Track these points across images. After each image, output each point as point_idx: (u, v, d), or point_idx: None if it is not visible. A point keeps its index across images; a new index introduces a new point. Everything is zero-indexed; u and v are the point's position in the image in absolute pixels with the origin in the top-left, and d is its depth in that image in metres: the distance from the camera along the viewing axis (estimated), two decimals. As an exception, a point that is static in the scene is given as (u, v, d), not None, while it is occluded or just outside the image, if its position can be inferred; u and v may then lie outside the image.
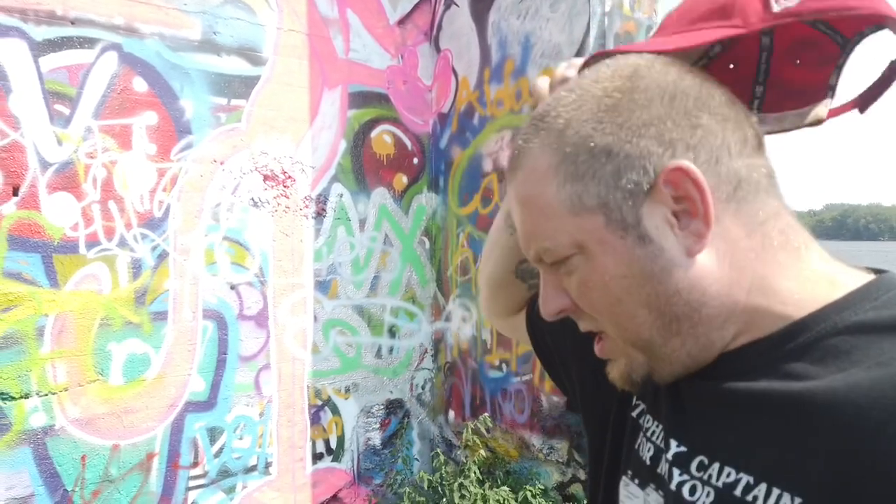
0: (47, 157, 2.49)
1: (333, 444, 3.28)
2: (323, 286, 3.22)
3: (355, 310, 3.34)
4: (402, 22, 3.45)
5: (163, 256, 2.75)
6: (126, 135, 2.65)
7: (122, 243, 2.65)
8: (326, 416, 3.25)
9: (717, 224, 0.58)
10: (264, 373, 3.04)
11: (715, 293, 0.59)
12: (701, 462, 0.61)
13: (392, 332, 3.48)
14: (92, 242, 2.59)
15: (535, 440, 2.99)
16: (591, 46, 2.67)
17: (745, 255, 0.60)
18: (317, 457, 3.23)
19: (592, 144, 0.59)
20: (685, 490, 0.62)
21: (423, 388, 3.60)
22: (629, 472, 0.72)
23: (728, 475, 0.58)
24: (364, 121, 3.34)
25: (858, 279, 0.60)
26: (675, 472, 0.63)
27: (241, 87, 2.93)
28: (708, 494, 0.59)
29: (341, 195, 3.27)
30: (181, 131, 2.78)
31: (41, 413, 2.50)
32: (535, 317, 0.95)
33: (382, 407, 3.45)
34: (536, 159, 0.63)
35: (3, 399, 2.42)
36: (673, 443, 0.65)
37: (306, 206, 3.15)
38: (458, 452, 3.44)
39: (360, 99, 3.32)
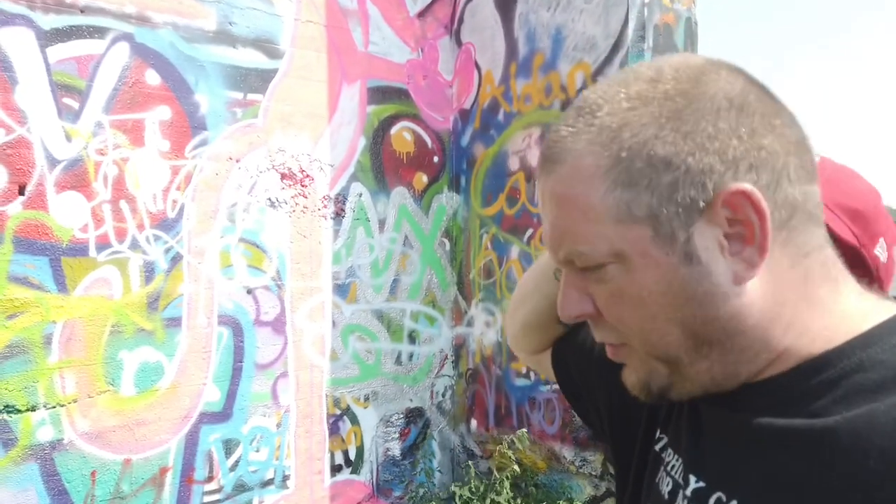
0: (55, 154, 2.34)
1: (352, 456, 3.14)
2: (342, 290, 3.07)
3: (375, 314, 3.20)
4: (422, 14, 3.31)
5: (176, 259, 2.60)
6: (138, 130, 2.50)
7: (134, 245, 2.50)
8: (345, 425, 3.11)
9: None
10: (281, 381, 2.89)
11: (753, 325, 0.58)
12: (719, 499, 0.60)
13: (412, 338, 3.33)
14: (102, 244, 2.44)
15: (567, 452, 2.86)
16: (630, 38, 2.54)
17: (788, 288, 0.58)
18: (335, 469, 3.08)
19: (652, 153, 0.56)
20: None
21: (443, 395, 3.46)
22: None
23: None
24: (384, 117, 3.20)
25: (886, 311, 0.58)
26: None
27: (257, 80, 2.79)
28: None
29: (360, 195, 3.13)
30: (196, 127, 2.63)
31: (49, 426, 2.34)
32: (561, 352, 0.95)
33: (402, 416, 3.31)
34: (582, 157, 0.59)
35: (9, 412, 2.27)
36: (692, 478, 0.63)
37: (325, 206, 3.01)
38: (481, 463, 3.30)
39: (380, 94, 3.18)
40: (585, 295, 0.62)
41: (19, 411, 2.29)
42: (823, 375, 0.56)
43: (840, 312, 0.58)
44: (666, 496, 0.67)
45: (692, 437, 0.66)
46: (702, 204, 0.55)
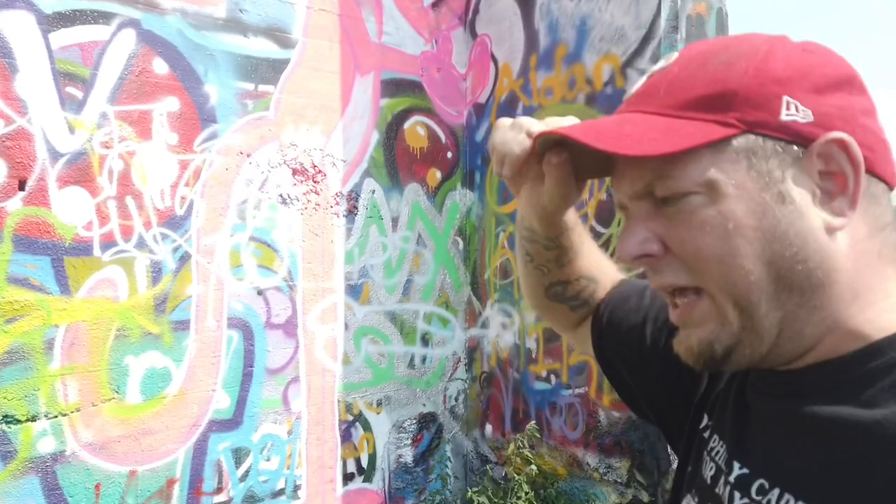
0: (58, 147, 2.19)
1: (364, 463, 3.01)
2: (354, 291, 2.95)
3: (387, 316, 3.07)
4: (436, 4, 3.19)
5: (185, 259, 2.46)
6: (145, 122, 2.36)
7: (141, 244, 2.36)
8: (357, 432, 2.98)
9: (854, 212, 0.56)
10: (293, 386, 2.76)
11: (836, 281, 0.57)
12: (761, 486, 0.59)
13: (425, 340, 3.21)
14: (107, 243, 2.29)
15: (590, 458, 2.75)
16: (663, 29, 2.44)
17: (863, 257, 0.58)
18: (347, 477, 2.95)
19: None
20: None
21: (456, 399, 3.35)
22: (693, 491, 0.70)
23: (787, 502, 0.56)
24: (397, 111, 3.07)
25: None
26: (737, 495, 0.61)
27: (268, 71, 2.65)
28: None
29: (373, 191, 3.00)
30: (205, 119, 2.49)
31: (50, 437, 2.20)
32: (603, 331, 0.93)
33: (415, 421, 3.19)
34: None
35: (8, 423, 2.12)
36: (735, 464, 0.63)
37: (337, 204, 2.88)
38: (496, 469, 3.19)
39: (393, 87, 3.05)
40: (652, 233, 0.61)
41: (19, 421, 2.14)
42: (872, 364, 0.55)
43: None
44: (708, 481, 0.67)
45: (737, 422, 0.65)
46: (797, 148, 0.56)
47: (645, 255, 0.61)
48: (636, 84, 0.64)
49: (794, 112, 0.56)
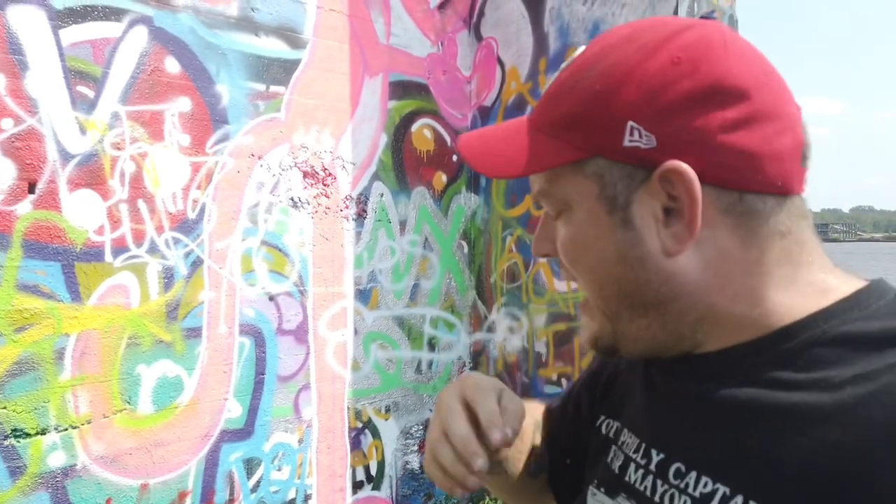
0: (69, 148, 2.10)
1: (374, 471, 2.96)
2: (363, 295, 2.90)
3: (396, 321, 3.03)
4: (441, 6, 3.17)
5: (197, 264, 2.39)
6: (157, 123, 2.28)
7: (153, 249, 2.28)
8: (367, 439, 2.93)
9: (709, 230, 0.57)
10: (304, 394, 2.70)
11: (690, 292, 0.59)
12: (678, 469, 0.60)
13: (432, 345, 3.18)
14: (119, 248, 2.21)
15: (605, 461, 2.75)
16: (679, 34, 2.46)
17: (736, 266, 0.59)
18: (357, 485, 2.90)
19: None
20: (664, 499, 0.60)
21: (461, 404, 3.31)
22: (595, 482, 0.71)
23: (705, 485, 0.56)
24: (405, 113, 3.04)
25: (850, 286, 0.59)
26: (658, 482, 0.61)
27: (280, 71, 2.59)
28: (685, 503, 0.58)
29: (382, 195, 2.96)
30: (217, 120, 2.43)
31: (60, 451, 2.10)
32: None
33: (422, 427, 3.15)
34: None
35: (17, 436, 2.02)
36: (653, 451, 0.64)
37: (346, 207, 2.83)
38: (502, 474, 3.17)
39: (401, 89, 3.02)
40: (549, 237, 0.65)
41: (28, 435, 2.04)
42: (784, 346, 0.56)
43: (799, 288, 0.59)
44: (616, 470, 0.67)
45: (650, 410, 0.67)
46: (642, 175, 0.57)
47: (546, 255, 0.67)
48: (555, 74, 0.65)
49: (636, 138, 0.56)
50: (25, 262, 2.02)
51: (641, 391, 0.70)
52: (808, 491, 0.50)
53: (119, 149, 2.20)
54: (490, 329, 3.26)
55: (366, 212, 2.90)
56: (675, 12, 2.46)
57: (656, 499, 0.61)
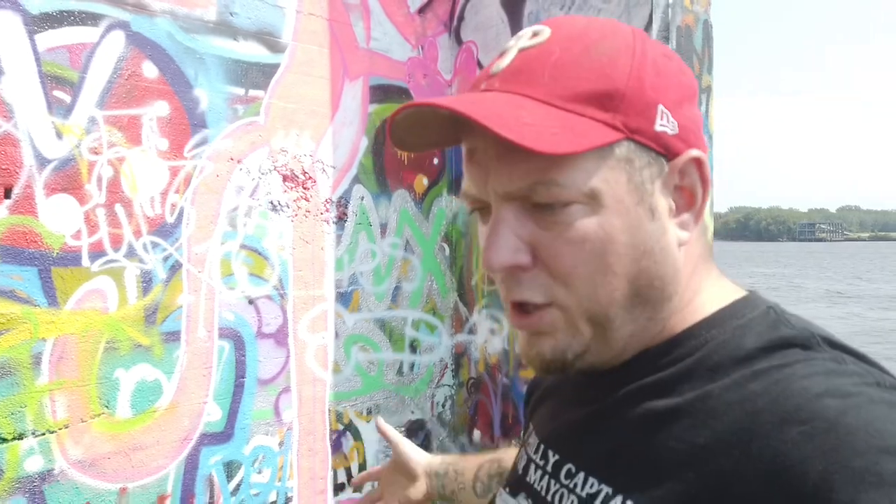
0: (45, 153, 2.10)
1: (355, 473, 2.97)
2: (344, 298, 2.91)
3: (377, 323, 3.05)
4: (422, 10, 3.19)
5: (175, 268, 2.39)
6: (135, 127, 2.29)
7: (131, 253, 2.28)
8: (348, 442, 2.95)
9: None
10: (284, 397, 2.71)
11: (677, 291, 0.59)
12: (569, 470, 0.62)
13: (413, 347, 3.20)
14: (96, 253, 2.21)
15: (583, 462, 2.78)
16: (654, 38, 2.49)
17: (691, 260, 0.60)
18: (338, 488, 2.91)
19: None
20: (555, 498, 0.62)
21: (443, 406, 3.34)
22: (504, 486, 0.73)
23: (591, 485, 0.58)
24: (385, 117, 3.05)
25: (734, 294, 0.61)
26: (552, 481, 0.63)
27: (259, 75, 2.60)
28: (572, 503, 0.59)
29: (362, 198, 2.97)
30: (195, 125, 2.43)
31: (38, 456, 2.10)
32: None
33: (404, 429, 3.17)
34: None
35: (-7, 442, 2.02)
36: (550, 452, 0.66)
37: (327, 210, 2.84)
38: (484, 475, 3.19)
39: (381, 93, 3.04)
40: (524, 243, 0.57)
41: (5, 440, 2.04)
42: (672, 355, 0.58)
43: (707, 293, 0.61)
44: (520, 471, 0.70)
45: (553, 414, 0.69)
46: (662, 162, 0.56)
47: (515, 265, 0.58)
48: (503, 57, 0.59)
49: (665, 123, 0.55)
50: (1, 268, 2.02)
51: (551, 394, 0.73)
52: (680, 492, 0.52)
53: (96, 153, 2.20)
54: (471, 331, 3.29)
55: (346, 215, 2.91)
56: (650, 19, 2.49)
57: (549, 498, 0.63)
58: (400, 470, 1.03)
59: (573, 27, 0.59)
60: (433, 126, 0.60)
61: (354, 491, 2.94)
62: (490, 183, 0.57)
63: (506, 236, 0.57)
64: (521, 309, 0.60)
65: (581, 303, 0.57)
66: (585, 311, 0.58)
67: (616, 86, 0.54)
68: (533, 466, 0.67)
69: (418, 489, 0.98)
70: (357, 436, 2.98)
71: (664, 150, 0.56)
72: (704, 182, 0.58)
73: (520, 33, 0.60)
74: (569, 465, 0.62)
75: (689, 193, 0.58)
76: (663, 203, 0.57)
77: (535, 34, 0.59)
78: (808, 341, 0.54)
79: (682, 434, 0.54)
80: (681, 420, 0.54)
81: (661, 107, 0.55)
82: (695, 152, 0.57)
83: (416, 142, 0.65)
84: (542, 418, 0.72)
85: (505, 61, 0.58)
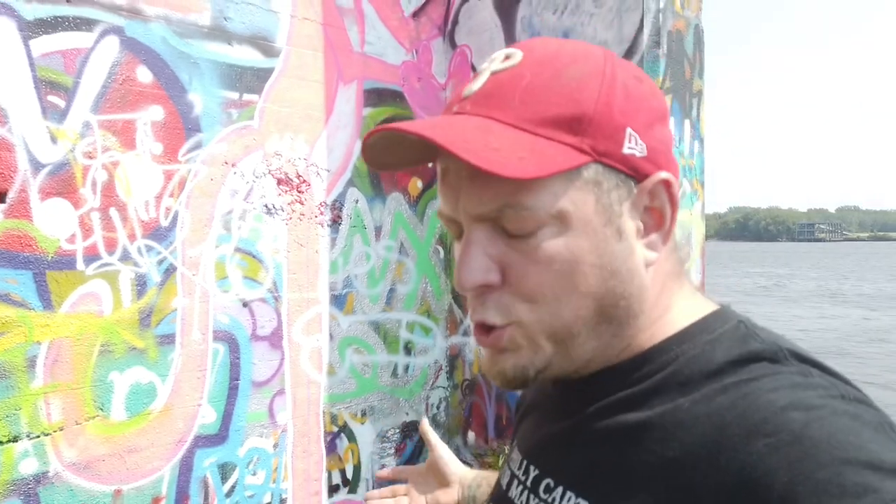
0: (39, 157, 2.12)
1: (349, 474, 2.99)
2: (339, 301, 2.93)
3: (371, 326, 3.07)
4: (416, 14, 3.20)
5: (170, 271, 2.41)
6: (129, 132, 2.30)
7: (125, 257, 2.30)
8: (342, 443, 2.96)
9: None
10: (278, 399, 2.73)
11: (645, 310, 0.60)
12: (548, 484, 0.63)
13: (408, 349, 3.22)
14: (91, 256, 2.22)
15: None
16: (645, 44, 2.51)
17: (660, 278, 0.61)
18: (333, 489, 2.93)
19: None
20: None
21: (437, 408, 3.35)
22: (488, 501, 0.75)
23: (569, 499, 0.59)
24: (379, 120, 3.07)
25: (706, 309, 0.63)
26: (531, 496, 0.64)
27: (253, 80, 2.62)
28: None
29: (357, 201, 2.99)
30: (189, 129, 2.45)
31: (32, 458, 2.12)
32: None
33: (398, 431, 3.19)
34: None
35: (-12, 444, 2.04)
36: (531, 467, 0.66)
37: (321, 213, 2.86)
38: (478, 476, 3.21)
39: (375, 96, 3.05)
40: (495, 263, 0.58)
41: (0, 443, 2.06)
42: (644, 370, 0.59)
43: (678, 309, 0.62)
44: (504, 487, 0.71)
45: (532, 429, 0.70)
46: (630, 184, 0.57)
47: (485, 284, 0.58)
48: (476, 80, 0.60)
49: (633, 145, 0.56)
50: (-4, 271, 2.04)
51: (533, 409, 0.74)
52: (651, 501, 0.53)
53: (91, 157, 2.22)
54: (466, 333, 3.30)
55: (341, 218, 2.93)
56: (641, 24, 2.51)
57: None
58: (434, 473, 1.03)
59: (545, 51, 0.60)
60: (408, 146, 0.60)
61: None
62: (461, 204, 0.58)
63: (477, 257, 0.58)
64: (482, 328, 0.61)
65: (543, 320, 0.58)
66: (547, 329, 0.59)
67: (584, 110, 0.55)
68: (515, 482, 0.68)
69: (449, 494, 0.99)
70: (351, 437, 3.00)
71: (633, 172, 0.57)
72: (673, 203, 0.59)
73: (493, 56, 0.61)
74: (548, 480, 0.63)
75: (658, 214, 0.59)
76: (631, 224, 0.58)
77: (507, 57, 0.59)
78: (775, 355, 0.56)
79: (653, 447, 0.55)
80: (652, 433, 0.55)
81: (629, 130, 0.56)
82: (664, 174, 0.58)
83: (393, 161, 0.65)
84: (525, 433, 0.73)
85: (477, 84, 0.59)
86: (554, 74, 0.57)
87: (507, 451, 0.79)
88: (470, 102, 0.59)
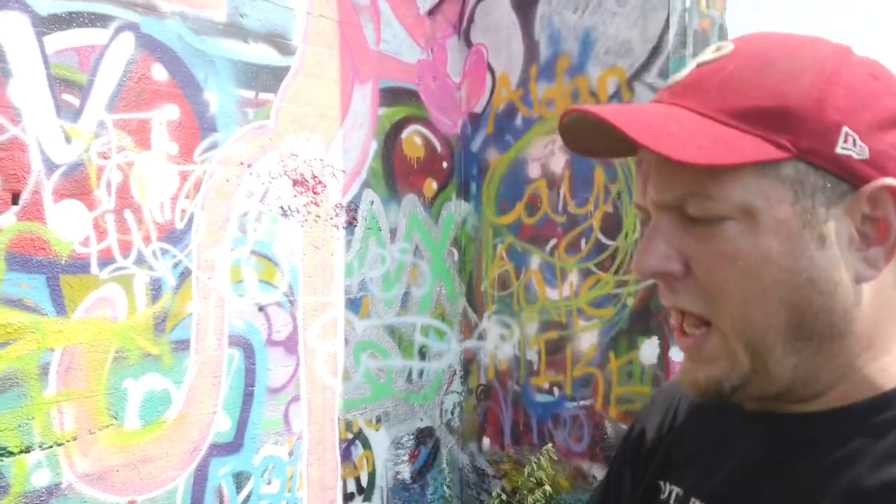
0: (53, 158, 2.05)
1: (364, 482, 2.93)
2: (354, 304, 2.87)
3: (386, 330, 3.00)
4: (431, 12, 3.14)
5: (185, 275, 2.34)
6: (144, 131, 2.23)
7: (140, 260, 2.23)
8: (357, 450, 2.90)
9: None
10: (293, 406, 2.66)
11: (858, 333, 0.54)
12: None
13: (422, 354, 3.16)
14: (105, 260, 2.15)
15: (597, 471, 2.75)
16: (672, 44, 2.46)
17: (888, 304, 0.55)
18: (347, 497, 2.87)
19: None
20: None
21: (452, 413, 3.30)
22: None
23: None
24: (395, 120, 3.01)
25: None
26: None
27: (269, 78, 2.55)
28: None
29: (372, 202, 2.93)
30: (205, 128, 2.38)
31: (45, 469, 2.05)
32: None
33: (412, 437, 3.12)
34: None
35: (0, 455, 1.96)
36: None
37: (336, 215, 2.79)
38: (493, 482, 3.16)
39: (391, 96, 2.99)
40: (674, 251, 0.56)
41: (12, 454, 1.98)
42: (885, 414, 0.53)
43: None
44: None
45: (728, 477, 0.61)
46: (844, 189, 0.52)
47: (665, 272, 0.56)
48: (681, 71, 0.59)
49: (850, 146, 0.51)
50: (9, 276, 1.96)
51: (717, 452, 0.64)
52: None
53: (105, 158, 2.15)
54: (481, 337, 3.25)
55: (356, 220, 2.87)
56: (667, 24, 2.46)
57: None
58: None
59: (760, 44, 0.56)
60: (604, 133, 0.57)
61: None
62: (648, 192, 0.57)
63: (658, 244, 0.56)
64: (680, 329, 0.58)
65: (736, 325, 0.54)
66: (741, 336, 0.54)
67: (787, 104, 0.51)
68: None
69: None
70: (366, 444, 2.93)
71: (848, 175, 0.52)
72: None
73: (706, 49, 0.59)
74: None
75: (882, 225, 0.52)
76: (842, 233, 0.52)
77: (717, 49, 0.57)
78: None
79: None
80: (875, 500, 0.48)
81: (845, 129, 0.51)
82: (888, 180, 0.51)
83: (592, 146, 0.62)
84: (703, 477, 0.63)
85: (681, 74, 0.58)
86: (760, 67, 0.54)
87: (663, 498, 0.67)
88: (669, 92, 0.57)
